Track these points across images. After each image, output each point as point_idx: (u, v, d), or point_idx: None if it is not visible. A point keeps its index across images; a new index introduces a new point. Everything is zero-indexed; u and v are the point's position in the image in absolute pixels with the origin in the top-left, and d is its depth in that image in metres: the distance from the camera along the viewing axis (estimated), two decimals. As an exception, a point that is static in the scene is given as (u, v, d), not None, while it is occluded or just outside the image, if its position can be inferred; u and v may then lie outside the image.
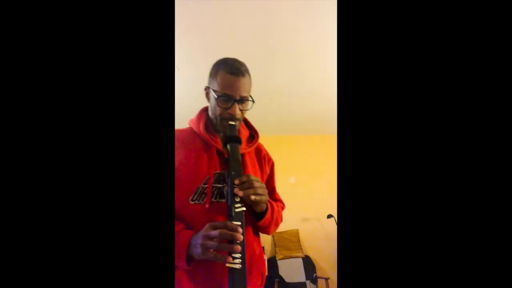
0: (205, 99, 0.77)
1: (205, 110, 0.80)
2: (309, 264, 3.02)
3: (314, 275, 2.90)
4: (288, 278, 2.90)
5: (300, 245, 3.20)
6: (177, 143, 0.72)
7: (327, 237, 3.32)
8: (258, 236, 0.76)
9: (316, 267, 3.07)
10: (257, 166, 0.79)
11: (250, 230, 0.71)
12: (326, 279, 2.79)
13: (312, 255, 3.19)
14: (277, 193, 0.85)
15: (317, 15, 1.48)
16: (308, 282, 2.89)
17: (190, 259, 0.59)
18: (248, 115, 0.81)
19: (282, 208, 0.84)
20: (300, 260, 3.04)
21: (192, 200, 0.65)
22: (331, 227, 3.28)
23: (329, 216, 3.02)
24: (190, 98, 2.25)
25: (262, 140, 0.84)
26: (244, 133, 0.80)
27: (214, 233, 0.54)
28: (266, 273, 0.76)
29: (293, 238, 3.22)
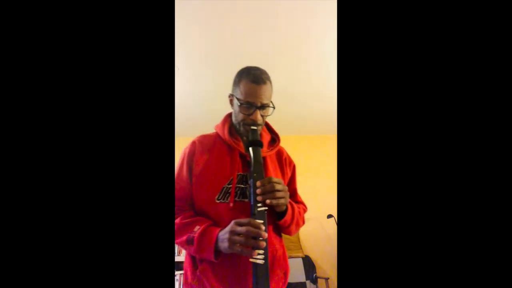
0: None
1: (229, 116, 0.85)
2: (309, 264, 3.01)
3: (314, 275, 2.90)
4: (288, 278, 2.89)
5: (300, 245, 3.20)
6: (204, 147, 0.78)
7: (327, 237, 3.32)
8: (280, 236, 0.79)
9: (316, 267, 3.06)
10: (278, 169, 0.82)
11: (271, 229, 0.74)
12: (326, 279, 2.78)
13: (312, 255, 3.19)
14: (299, 195, 0.88)
15: (317, 15, 1.48)
16: (308, 282, 2.89)
17: (217, 253, 0.63)
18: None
19: (304, 210, 0.87)
20: (300, 260, 3.04)
21: (218, 199, 0.71)
22: (331, 227, 3.28)
23: (329, 216, 3.02)
24: (189, 98, 2.24)
25: (262, 140, 0.85)
26: (266, 137, 0.85)
27: (241, 229, 0.58)
28: (289, 273, 0.79)
29: (293, 238, 3.22)
